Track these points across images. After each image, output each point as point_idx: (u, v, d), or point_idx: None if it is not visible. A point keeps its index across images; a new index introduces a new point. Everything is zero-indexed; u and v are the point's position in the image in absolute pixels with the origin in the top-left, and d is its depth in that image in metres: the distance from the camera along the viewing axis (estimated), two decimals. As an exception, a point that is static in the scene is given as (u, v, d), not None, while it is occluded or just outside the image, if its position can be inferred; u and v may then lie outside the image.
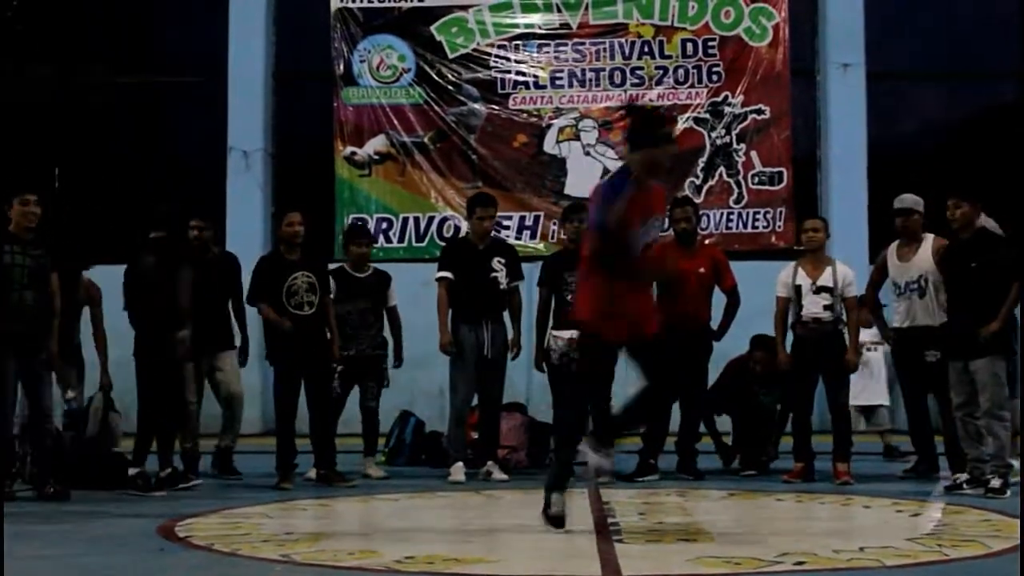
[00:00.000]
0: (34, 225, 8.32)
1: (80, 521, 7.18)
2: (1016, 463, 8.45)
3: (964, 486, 8.39)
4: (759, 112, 14.50)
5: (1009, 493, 8.05)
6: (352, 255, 9.94)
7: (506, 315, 9.71)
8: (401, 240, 14.46)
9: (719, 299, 9.77)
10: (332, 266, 9.93)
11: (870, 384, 11.31)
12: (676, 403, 9.64)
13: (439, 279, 9.64)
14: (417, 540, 6.53)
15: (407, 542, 6.38)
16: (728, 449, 10.23)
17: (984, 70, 15.59)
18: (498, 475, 9.45)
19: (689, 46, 14.56)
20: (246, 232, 15.00)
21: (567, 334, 9.35)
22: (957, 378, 8.44)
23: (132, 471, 8.72)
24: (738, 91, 14.47)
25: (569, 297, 9.43)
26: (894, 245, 9.42)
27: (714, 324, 9.73)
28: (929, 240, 9.21)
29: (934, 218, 9.23)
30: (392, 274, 10.21)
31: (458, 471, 9.45)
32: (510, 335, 9.69)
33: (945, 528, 6.85)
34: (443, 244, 10.52)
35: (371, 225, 14.18)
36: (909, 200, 9.33)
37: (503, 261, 9.66)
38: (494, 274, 9.59)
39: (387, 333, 9.97)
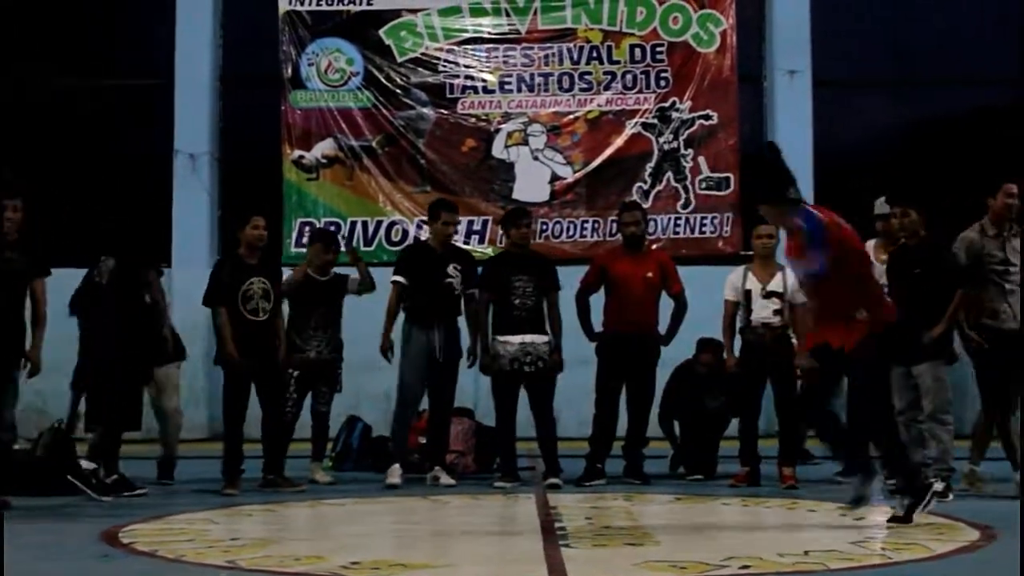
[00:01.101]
0: (12, 230, 8.35)
1: (23, 528, 7.09)
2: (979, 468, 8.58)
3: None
4: (707, 118, 14.57)
5: (951, 496, 8.12)
6: (320, 261, 9.89)
7: (462, 321, 9.70)
8: (349, 244, 14.40)
9: (666, 304, 9.80)
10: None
11: None
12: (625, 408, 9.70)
13: (393, 282, 9.63)
14: (363, 545, 6.52)
15: (353, 547, 6.36)
16: (677, 453, 10.26)
17: (928, 78, 15.73)
18: (445, 480, 9.43)
19: (637, 51, 14.60)
20: (192, 236, 14.91)
21: (516, 339, 9.36)
22: (899, 383, 8.52)
23: (88, 467, 8.68)
24: (686, 97, 14.53)
25: (517, 301, 9.44)
26: (871, 244, 9.31)
27: (661, 329, 9.76)
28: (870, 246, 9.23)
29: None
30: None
31: (394, 473, 9.42)
32: (466, 342, 9.68)
33: (889, 532, 6.91)
34: (400, 249, 10.49)
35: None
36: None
37: (459, 267, 9.64)
38: (449, 279, 9.57)
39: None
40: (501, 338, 9.46)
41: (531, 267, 9.54)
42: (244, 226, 9.33)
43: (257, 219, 9.35)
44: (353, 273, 9.96)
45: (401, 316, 9.61)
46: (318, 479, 9.68)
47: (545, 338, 9.45)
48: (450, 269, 9.59)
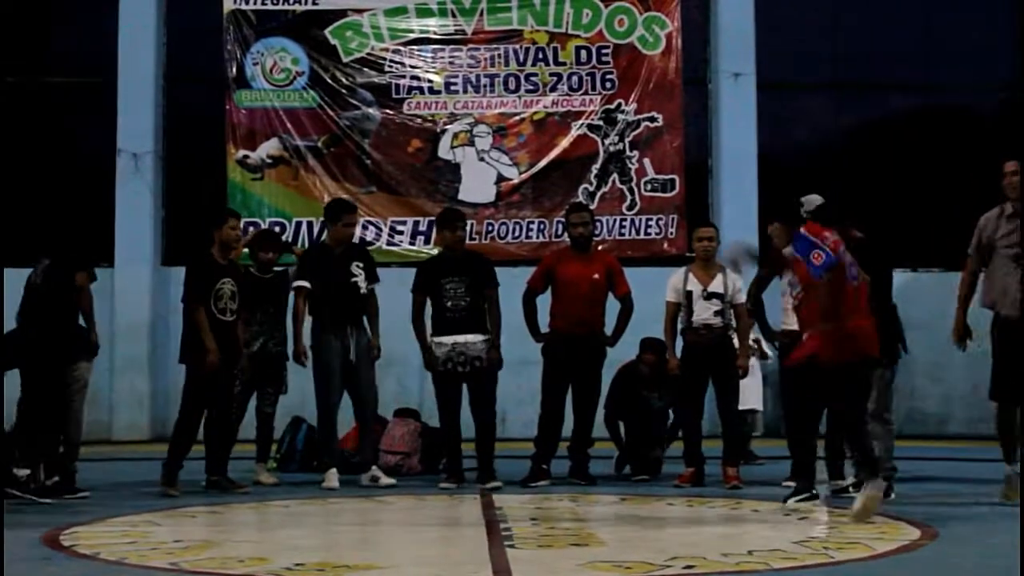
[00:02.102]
0: None
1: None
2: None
3: (851, 489, 8.51)
4: (652, 120, 14.62)
5: (893, 495, 8.20)
6: (261, 260, 9.83)
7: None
8: (294, 244, 14.34)
9: (613, 305, 9.83)
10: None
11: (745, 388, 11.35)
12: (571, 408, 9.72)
13: (296, 288, 9.58)
14: (308, 547, 6.48)
15: (297, 549, 6.33)
16: (622, 454, 10.29)
17: (871, 81, 15.89)
18: (384, 480, 9.41)
19: (583, 53, 14.64)
20: (135, 235, 14.80)
21: (449, 339, 9.35)
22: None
23: (21, 473, 8.57)
24: (631, 99, 14.58)
25: (448, 303, 9.42)
26: None
27: (608, 330, 9.78)
28: None
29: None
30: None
31: (331, 477, 9.38)
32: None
33: (831, 531, 6.96)
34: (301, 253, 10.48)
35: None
36: (815, 202, 9.29)
37: (361, 265, 9.61)
38: (354, 279, 9.54)
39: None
40: (436, 339, 9.45)
41: (463, 268, 9.49)
42: (221, 225, 9.21)
43: (234, 220, 9.32)
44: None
45: (309, 320, 9.58)
46: (263, 480, 9.63)
47: (482, 337, 9.42)
48: (353, 268, 9.55)
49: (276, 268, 9.98)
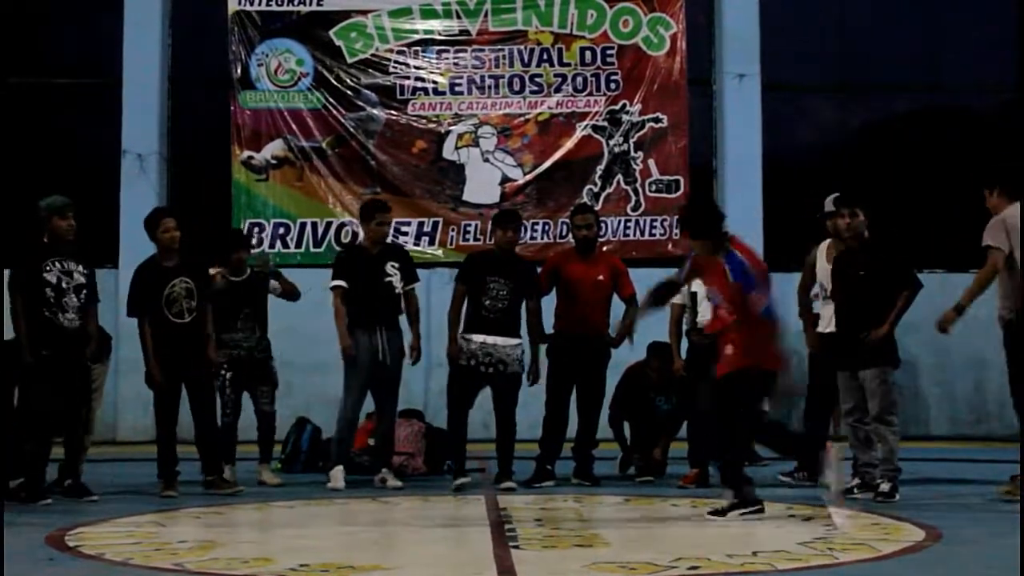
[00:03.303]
0: None
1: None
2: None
3: (855, 490, 8.52)
4: (656, 121, 14.62)
5: (898, 497, 8.20)
6: (233, 262, 9.81)
7: (403, 319, 9.68)
8: (299, 246, 14.36)
9: (617, 307, 9.83)
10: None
11: None
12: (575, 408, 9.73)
13: (333, 288, 9.59)
14: (312, 548, 6.49)
15: (302, 550, 6.34)
16: (627, 456, 10.29)
17: (876, 82, 15.88)
18: (392, 482, 9.41)
19: (588, 54, 14.64)
20: (140, 237, 14.74)
21: (480, 338, 9.34)
22: (845, 385, 8.59)
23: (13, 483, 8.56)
24: (636, 100, 14.58)
25: (487, 302, 9.41)
26: (825, 245, 9.29)
27: (612, 332, 9.78)
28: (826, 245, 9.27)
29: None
30: (290, 279, 10.13)
31: (337, 477, 9.40)
32: (407, 339, 9.65)
33: (836, 532, 6.96)
34: (338, 251, 10.46)
35: (268, 230, 14.18)
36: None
37: (397, 265, 9.62)
38: (388, 278, 9.55)
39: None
40: (466, 335, 9.44)
41: (509, 270, 9.49)
42: (155, 228, 9.15)
43: (167, 220, 9.17)
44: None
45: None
46: (267, 481, 9.62)
47: (514, 341, 9.40)
48: (388, 268, 9.57)
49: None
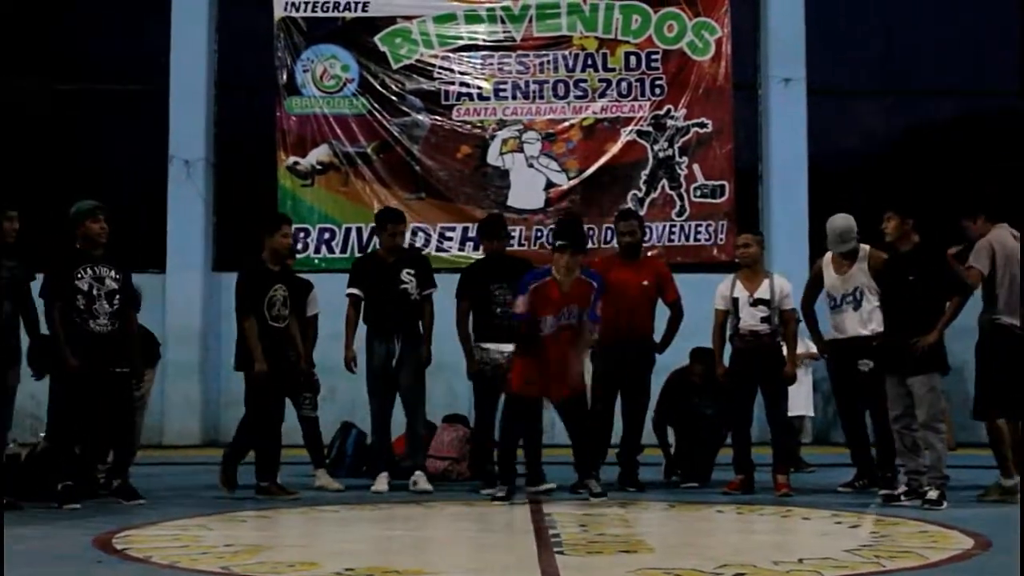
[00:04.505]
0: (12, 240, 8.43)
1: (15, 533, 7.06)
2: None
3: (902, 498, 8.46)
4: (701, 125, 14.57)
5: (946, 504, 8.13)
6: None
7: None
8: (344, 250, 14.39)
9: (662, 312, 9.81)
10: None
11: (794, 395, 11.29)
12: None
13: (347, 295, 9.63)
14: (357, 552, 6.51)
15: (347, 554, 6.35)
16: (671, 461, 10.26)
17: (921, 87, 15.79)
18: (424, 485, 9.42)
19: (632, 59, 14.61)
20: (186, 241, 14.94)
21: (496, 347, 9.35)
22: (894, 391, 8.52)
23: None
24: (681, 104, 14.53)
25: (497, 310, 9.42)
26: (828, 256, 9.51)
27: (657, 336, 9.77)
28: (866, 252, 9.31)
29: (871, 231, 9.30)
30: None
31: (381, 481, 9.43)
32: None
33: (883, 539, 6.91)
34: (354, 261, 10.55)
35: (313, 235, 14.21)
36: (840, 222, 9.37)
37: (412, 272, 9.63)
38: (404, 286, 9.57)
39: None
40: (484, 345, 9.46)
41: (510, 273, 9.49)
42: (273, 233, 9.21)
43: (286, 226, 9.34)
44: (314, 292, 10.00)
45: (363, 327, 9.62)
46: (325, 485, 9.65)
47: None
48: (403, 275, 9.58)
49: (301, 275, 10.02)
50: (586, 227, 14.29)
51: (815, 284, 9.64)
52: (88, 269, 8.61)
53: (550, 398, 8.92)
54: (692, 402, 10.07)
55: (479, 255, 14.02)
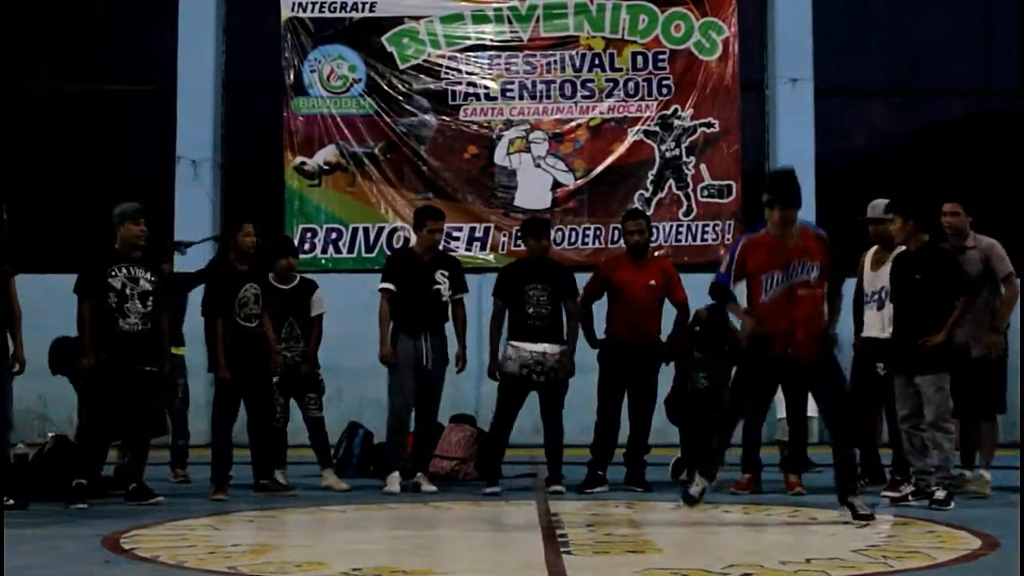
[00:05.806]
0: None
1: (23, 533, 7.08)
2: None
3: (909, 498, 8.45)
4: (708, 125, 14.56)
5: (953, 504, 8.12)
6: (279, 268, 9.84)
7: (450, 327, 9.70)
8: (351, 251, 14.40)
9: (669, 312, 9.80)
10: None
11: None
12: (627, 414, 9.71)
13: (381, 290, 9.63)
14: (364, 552, 6.51)
15: (355, 554, 6.36)
16: (679, 460, 10.24)
17: (929, 87, 15.76)
18: (427, 487, 9.43)
19: (639, 59, 14.61)
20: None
21: (529, 347, 9.35)
22: (902, 391, 8.50)
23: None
24: (688, 104, 14.52)
25: (531, 310, 9.43)
26: (872, 251, 9.37)
27: (663, 336, 9.77)
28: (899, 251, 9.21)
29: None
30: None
31: (393, 481, 9.43)
32: (453, 348, 9.66)
33: (890, 540, 6.90)
34: (388, 255, 10.52)
35: (320, 235, 14.21)
36: (880, 207, 9.28)
37: (446, 274, 9.64)
38: (437, 286, 9.57)
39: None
40: (515, 343, 9.46)
41: (546, 275, 9.53)
42: (235, 233, 9.30)
43: (247, 226, 9.33)
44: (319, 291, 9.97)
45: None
46: (332, 485, 9.65)
47: (559, 348, 9.46)
48: (437, 276, 9.59)
49: (301, 275, 10.04)
50: (593, 227, 14.45)
51: (861, 280, 9.47)
52: (123, 268, 8.68)
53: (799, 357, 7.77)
54: (700, 402, 9.93)
55: (485, 255, 14.13)
